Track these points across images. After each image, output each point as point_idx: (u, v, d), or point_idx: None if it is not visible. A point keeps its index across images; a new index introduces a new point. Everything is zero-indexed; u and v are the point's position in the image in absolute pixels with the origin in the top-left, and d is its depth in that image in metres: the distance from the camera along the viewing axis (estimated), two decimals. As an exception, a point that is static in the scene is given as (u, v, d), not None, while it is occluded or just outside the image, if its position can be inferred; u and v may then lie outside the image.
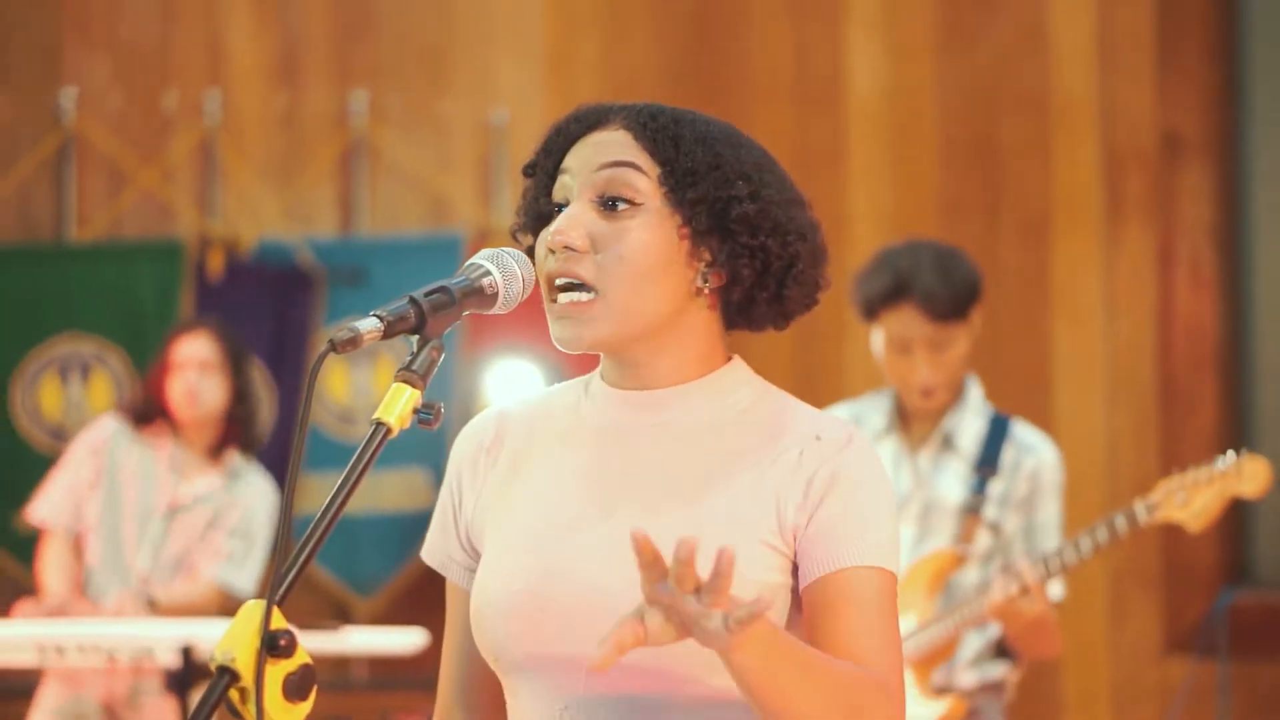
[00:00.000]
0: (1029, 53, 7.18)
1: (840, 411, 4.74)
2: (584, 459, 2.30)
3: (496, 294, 2.19)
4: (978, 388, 4.67)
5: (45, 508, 5.79)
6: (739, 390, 2.32)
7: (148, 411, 5.82)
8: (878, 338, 4.55)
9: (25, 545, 6.53)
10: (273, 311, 7.29)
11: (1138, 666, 7.05)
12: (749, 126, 7.21)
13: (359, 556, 7.28)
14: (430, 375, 2.08)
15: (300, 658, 1.90)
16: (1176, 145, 7.16)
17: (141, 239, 7.45)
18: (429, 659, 5.87)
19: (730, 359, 2.34)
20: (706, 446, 2.27)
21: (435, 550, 2.40)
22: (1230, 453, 4.26)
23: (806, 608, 2.22)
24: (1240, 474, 4.19)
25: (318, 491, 7.35)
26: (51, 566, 5.73)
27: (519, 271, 2.21)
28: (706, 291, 2.28)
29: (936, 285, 4.44)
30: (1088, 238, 7.11)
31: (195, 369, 5.75)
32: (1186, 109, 7.18)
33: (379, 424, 2.04)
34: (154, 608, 5.57)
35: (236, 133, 7.51)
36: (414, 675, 6.99)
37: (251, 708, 1.88)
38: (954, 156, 7.22)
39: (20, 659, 5.03)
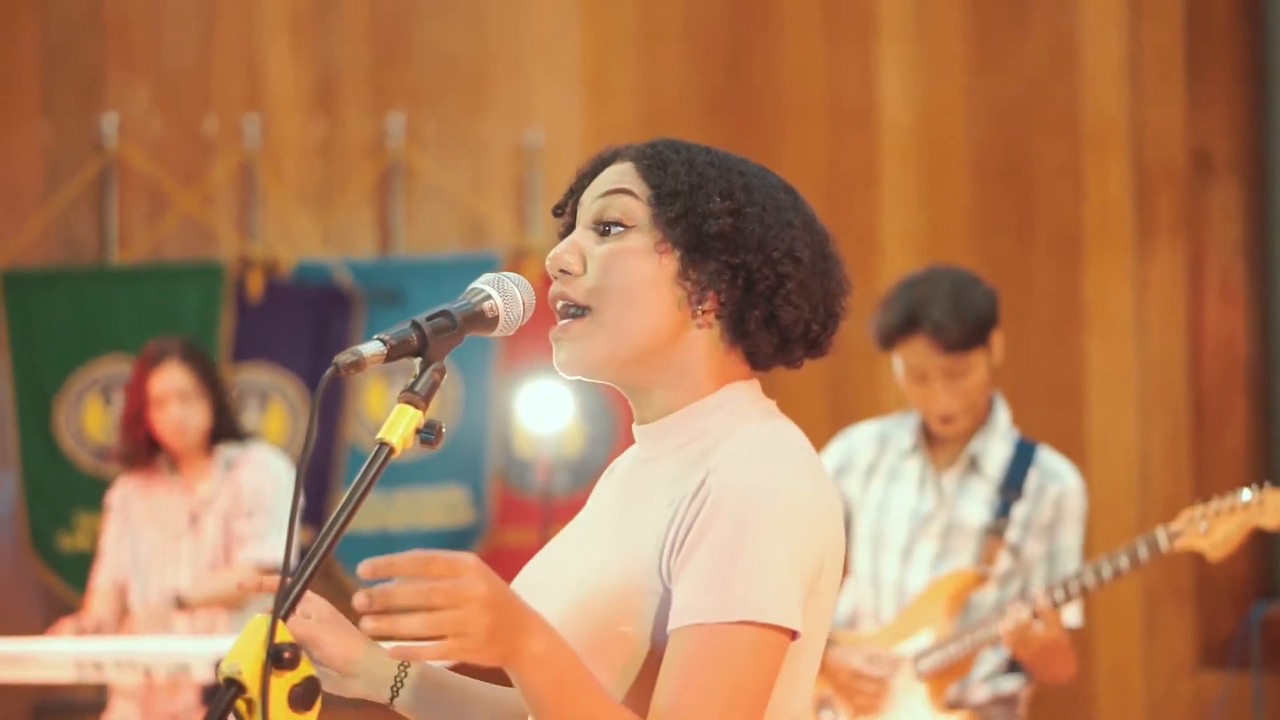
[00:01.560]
0: (1060, 73, 7.21)
1: (869, 428, 4.78)
2: (599, 496, 2.39)
3: (497, 318, 2.24)
4: (1005, 411, 4.69)
5: (98, 579, 5.83)
6: (712, 417, 2.28)
7: (139, 452, 5.83)
8: (898, 366, 4.60)
9: (70, 565, 6.63)
10: (311, 332, 7.37)
11: (1172, 680, 7.06)
12: (781, 148, 7.31)
13: (396, 573, 7.33)
14: (432, 396, 2.14)
15: (305, 669, 1.96)
16: (1206, 163, 7.18)
17: (182, 261, 7.54)
18: (462, 672, 5.93)
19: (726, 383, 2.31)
20: (651, 482, 2.27)
21: None
22: (1254, 486, 4.27)
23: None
24: (1263, 507, 4.20)
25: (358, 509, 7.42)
26: (98, 602, 5.79)
27: (519, 295, 2.26)
28: (701, 314, 2.28)
29: (946, 318, 4.46)
30: (1119, 256, 7.13)
31: (176, 401, 5.74)
32: (1216, 127, 7.20)
33: (382, 444, 2.10)
34: (182, 604, 5.62)
35: (275, 156, 7.59)
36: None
37: (258, 718, 1.95)
38: (985, 177, 7.26)
39: (59, 675, 5.09)
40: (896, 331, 4.52)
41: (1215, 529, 4.19)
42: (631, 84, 7.52)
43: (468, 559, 2.02)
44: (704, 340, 2.29)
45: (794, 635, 2.14)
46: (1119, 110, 7.16)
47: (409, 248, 7.57)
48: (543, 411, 6.93)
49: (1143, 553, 4.26)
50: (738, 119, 7.41)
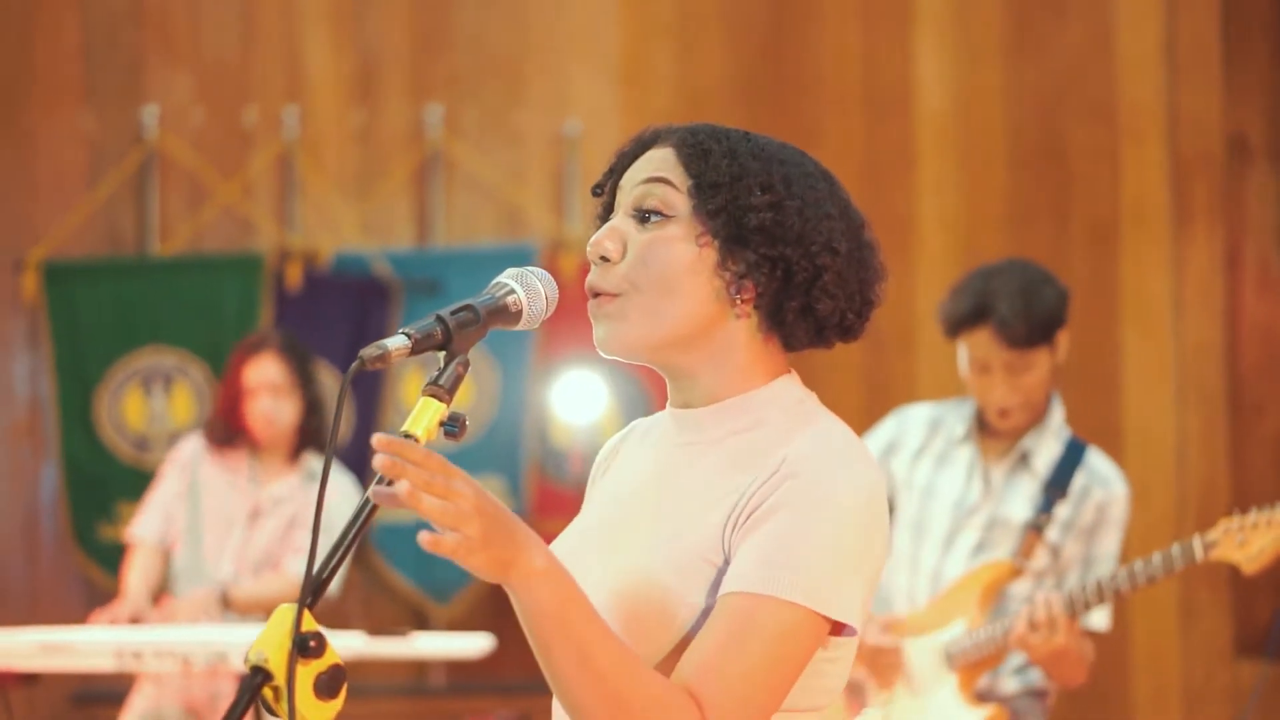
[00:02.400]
0: (1096, 60, 7.21)
1: (923, 410, 4.78)
2: (630, 478, 2.40)
3: (521, 311, 2.26)
4: (1060, 410, 4.68)
5: (138, 525, 5.87)
6: (768, 409, 2.32)
7: (227, 435, 5.89)
8: (962, 355, 4.60)
9: (110, 554, 6.67)
10: (350, 322, 7.40)
11: (1209, 669, 7.07)
12: (819, 134, 7.32)
13: (436, 564, 7.37)
14: (456, 389, 2.16)
15: (330, 658, 1.99)
16: (1243, 149, 7.17)
17: (222, 252, 7.57)
18: (501, 663, 5.98)
19: (781, 373, 2.35)
20: (710, 465, 2.31)
21: None
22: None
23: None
24: None
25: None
26: (134, 572, 5.83)
27: (543, 290, 2.28)
28: (740, 303, 2.31)
29: (1013, 314, 4.45)
30: (1156, 242, 7.13)
31: (269, 394, 5.79)
32: (1253, 113, 7.19)
33: (407, 436, 2.12)
34: (228, 604, 5.66)
35: (315, 147, 7.62)
36: (488, 680, 7.09)
37: (284, 706, 1.97)
38: (1022, 163, 7.26)
39: (98, 664, 5.12)
40: (963, 321, 4.52)
41: (1251, 541, 4.19)
42: (669, 74, 7.54)
43: (462, 472, 2.07)
44: (743, 329, 2.33)
45: (842, 629, 2.20)
46: (1155, 97, 7.16)
47: (447, 238, 7.60)
48: (578, 402, 6.96)
49: (1178, 561, 4.25)
50: (775, 107, 7.42)
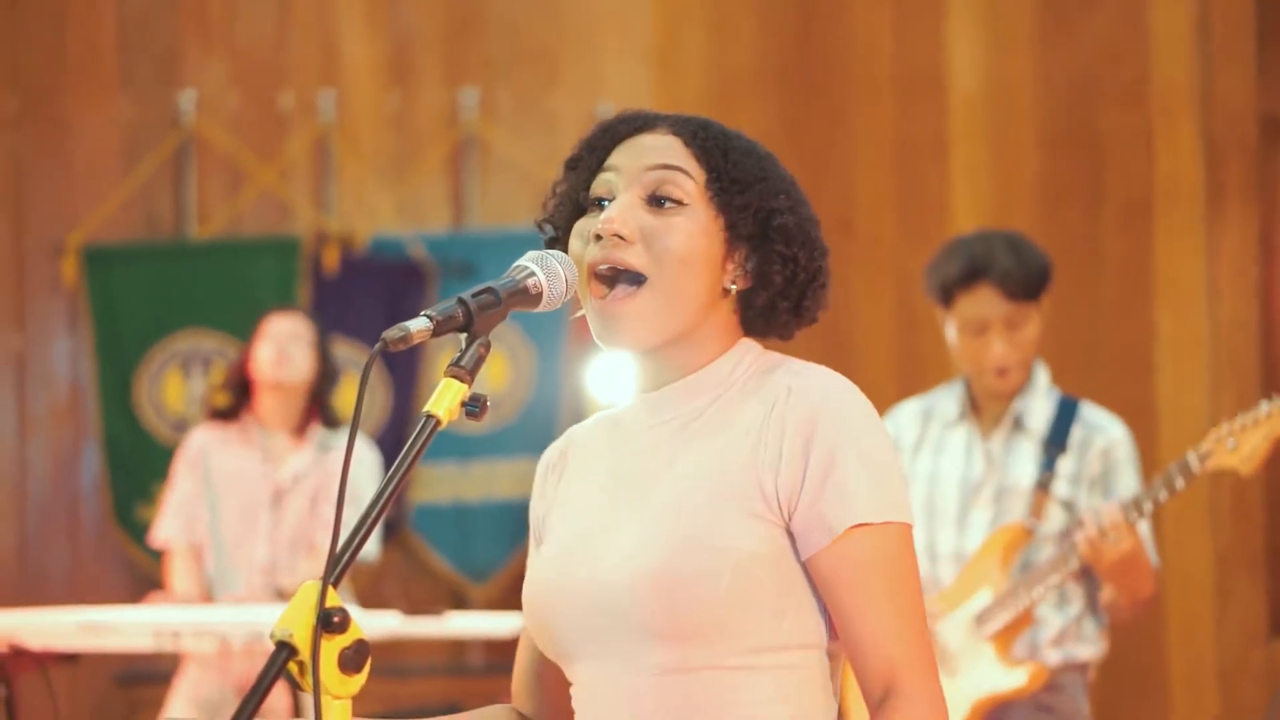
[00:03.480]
0: (1129, 41, 7.21)
1: (911, 406, 4.85)
2: (613, 466, 2.44)
3: (541, 294, 2.31)
4: (1045, 372, 4.77)
5: (164, 529, 5.93)
6: (740, 364, 2.41)
7: (236, 396, 5.93)
8: (951, 324, 4.66)
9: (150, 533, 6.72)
10: (386, 305, 7.44)
11: (1244, 648, 7.07)
12: (851, 119, 7.34)
13: (473, 544, 7.42)
14: (478, 370, 2.20)
15: (354, 633, 2.02)
16: (1276, 130, 7.17)
17: (259, 236, 7.62)
18: None
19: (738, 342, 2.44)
20: (703, 426, 2.37)
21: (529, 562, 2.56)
22: (1274, 395, 4.32)
23: (818, 582, 2.30)
24: None
25: (432, 482, 7.51)
26: (178, 576, 5.89)
27: (562, 272, 2.33)
28: (733, 295, 2.40)
29: (1012, 266, 4.57)
30: (1189, 223, 7.13)
31: (286, 338, 5.89)
32: (1286, 95, 7.20)
33: (429, 416, 2.16)
34: (283, 596, 5.72)
35: (350, 131, 7.66)
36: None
37: (309, 680, 2.01)
38: (1055, 146, 7.26)
39: (137, 644, 5.18)
40: (960, 280, 4.59)
41: (1242, 444, 4.25)
42: (702, 57, 7.55)
43: None
44: (726, 314, 2.42)
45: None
46: (1188, 78, 7.16)
47: (482, 221, 7.63)
48: (612, 384, 7.00)
49: (1178, 479, 4.31)
50: (807, 91, 7.44)
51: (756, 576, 2.26)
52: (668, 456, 2.37)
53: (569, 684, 2.44)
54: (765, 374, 2.37)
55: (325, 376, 5.94)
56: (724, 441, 2.34)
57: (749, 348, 2.43)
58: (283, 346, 5.87)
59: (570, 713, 2.45)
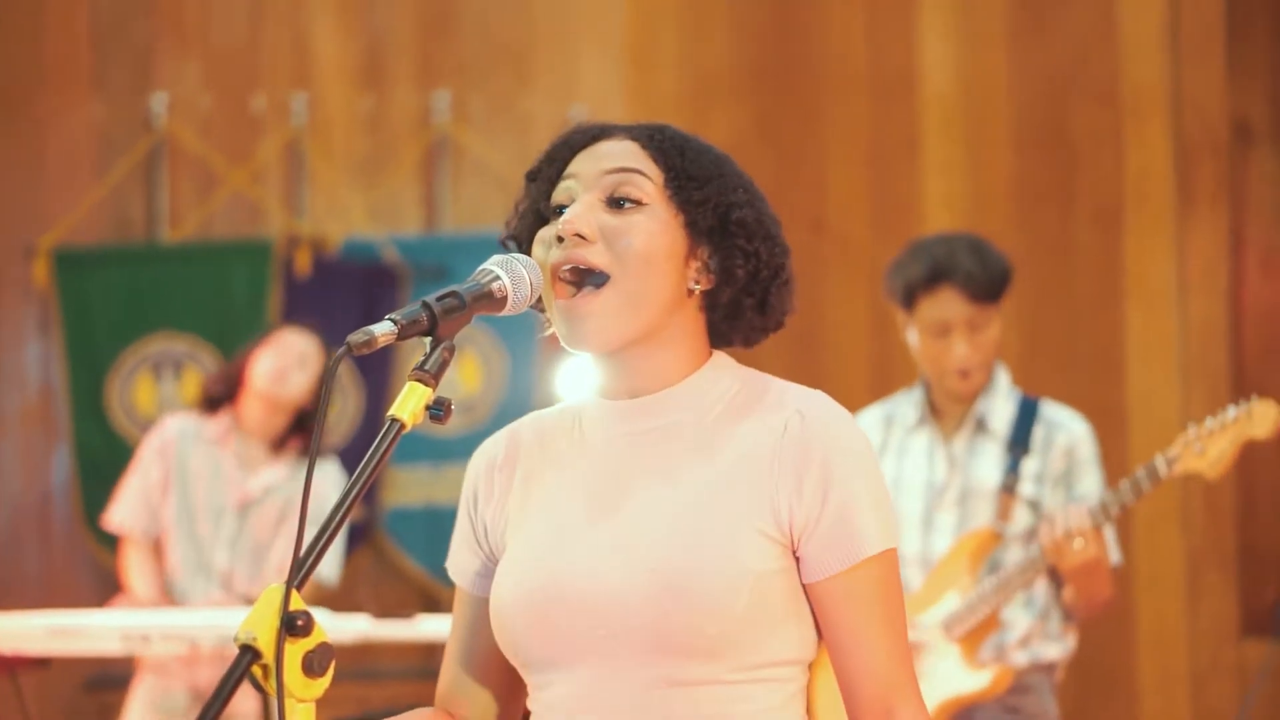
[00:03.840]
0: (1100, 42, 7.23)
1: (873, 412, 4.87)
2: (588, 470, 2.43)
3: (505, 297, 2.32)
4: (1005, 373, 4.79)
5: (121, 513, 5.93)
6: (721, 381, 2.42)
7: (223, 390, 5.93)
8: (912, 326, 4.68)
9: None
10: (359, 308, 7.43)
11: (1216, 648, 7.09)
12: (825, 118, 7.34)
13: (446, 547, 7.37)
14: (442, 374, 2.21)
15: (318, 636, 2.03)
16: (1247, 132, 7.19)
17: (231, 239, 7.61)
18: None
19: (711, 355, 2.46)
20: (696, 441, 2.38)
21: (456, 563, 2.56)
22: (1240, 400, 4.35)
23: (817, 605, 2.35)
24: (1251, 418, 4.29)
25: (405, 485, 7.50)
26: (135, 571, 5.88)
27: (527, 276, 2.34)
28: (697, 294, 2.41)
29: (975, 268, 4.59)
30: (1160, 224, 7.15)
31: (294, 357, 5.88)
32: (1256, 97, 7.21)
33: (393, 420, 2.17)
34: (247, 601, 5.72)
35: (323, 133, 7.65)
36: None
37: (273, 683, 2.01)
38: (1027, 146, 7.28)
39: (106, 648, 5.17)
40: (924, 283, 4.61)
41: (1209, 448, 4.28)
42: (675, 58, 7.56)
43: None
44: (692, 316, 2.43)
45: None
46: (1160, 80, 7.17)
47: (455, 224, 7.63)
48: (581, 386, 6.99)
49: (1145, 482, 4.33)
50: (781, 91, 7.44)
51: (769, 594, 2.31)
52: (656, 470, 2.38)
53: (517, 686, 2.46)
54: (758, 395, 2.40)
55: (315, 402, 5.93)
56: (727, 461, 2.35)
57: (725, 363, 2.45)
58: (286, 366, 5.86)
59: (514, 715, 2.49)
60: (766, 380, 2.43)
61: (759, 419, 2.37)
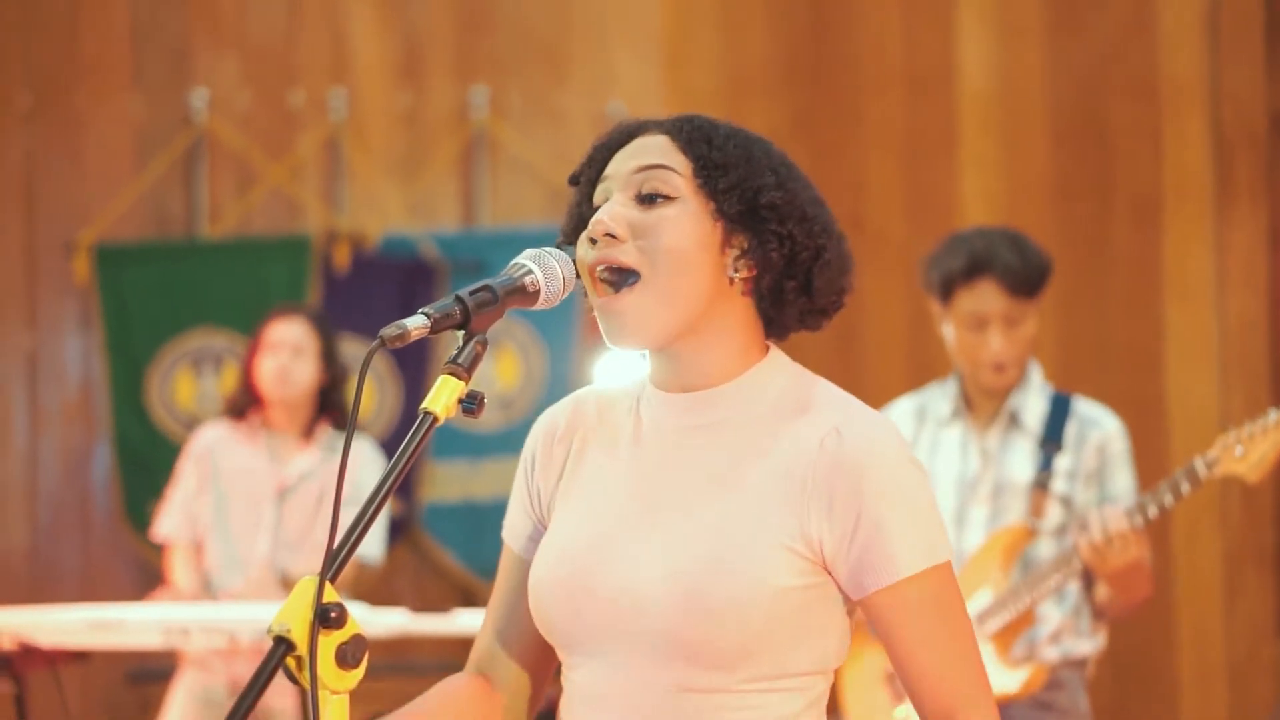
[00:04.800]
0: (1138, 36, 7.21)
1: (905, 404, 4.85)
2: (635, 459, 2.44)
3: (538, 291, 2.32)
4: (1038, 369, 4.78)
5: (165, 525, 5.95)
6: (773, 381, 2.41)
7: (243, 399, 5.95)
8: (949, 319, 4.66)
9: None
10: (397, 303, 7.45)
11: (1253, 646, 7.07)
12: (861, 115, 7.34)
13: (484, 542, 7.42)
14: (475, 367, 2.21)
15: (351, 628, 2.04)
16: (1286, 126, 7.17)
17: (270, 235, 7.63)
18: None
19: (768, 350, 2.44)
20: (739, 444, 2.38)
21: (510, 523, 2.56)
22: None
23: (871, 619, 2.35)
24: None
25: (443, 480, 7.52)
26: (180, 573, 5.91)
27: (560, 270, 2.35)
28: (739, 281, 2.39)
29: (1015, 262, 4.57)
30: (1198, 219, 7.13)
31: (288, 351, 5.87)
32: (1295, 90, 7.19)
33: (426, 413, 2.18)
34: (287, 583, 5.74)
35: (361, 129, 7.67)
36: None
37: (307, 675, 2.02)
38: (1064, 141, 7.26)
39: (146, 641, 5.19)
40: (963, 275, 4.59)
41: (1250, 451, 4.24)
42: (712, 54, 7.56)
43: None
44: (741, 307, 2.41)
45: None
46: (1198, 74, 7.15)
47: (492, 219, 7.65)
48: (620, 381, 6.99)
49: (1184, 485, 4.30)
50: (817, 87, 7.44)
51: (787, 608, 2.30)
52: (699, 471, 2.38)
53: (551, 656, 2.48)
54: (806, 405, 2.39)
55: (332, 380, 5.94)
56: (762, 472, 2.35)
57: (778, 362, 2.44)
58: (283, 364, 5.85)
59: (544, 683, 2.50)
60: (814, 385, 2.42)
61: (799, 430, 2.35)
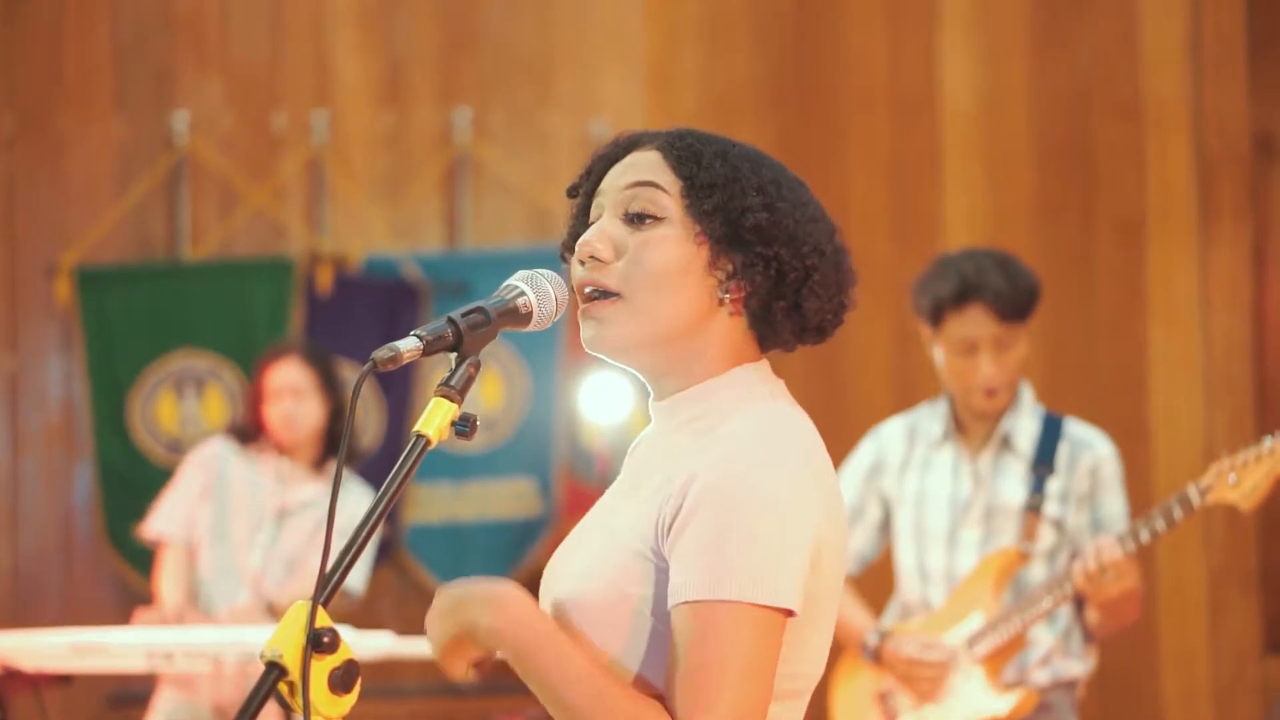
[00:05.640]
0: (1121, 57, 7.22)
1: (896, 423, 4.84)
2: (625, 471, 2.46)
3: (531, 313, 2.32)
4: (1029, 390, 4.77)
5: (160, 522, 5.96)
6: (720, 393, 2.36)
7: (251, 433, 5.99)
8: (939, 343, 4.65)
9: (144, 556, 6.71)
10: (380, 325, 7.43)
11: (1238, 665, 7.06)
12: (845, 134, 7.33)
13: (468, 564, 7.41)
14: (468, 390, 2.20)
15: (344, 653, 2.03)
16: (1269, 146, 7.17)
17: (253, 257, 7.61)
18: None
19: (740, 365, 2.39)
20: (661, 454, 2.36)
21: None
22: (1277, 433, 4.30)
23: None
24: None
25: (427, 502, 7.50)
26: (168, 577, 5.89)
27: (552, 291, 2.34)
28: (729, 302, 2.37)
29: (1004, 287, 4.55)
30: (1182, 239, 7.13)
31: (290, 397, 5.92)
32: (1278, 110, 7.19)
33: (419, 436, 2.16)
34: (273, 612, 5.73)
35: (344, 151, 7.66)
36: (519, 679, 7.12)
37: (299, 700, 2.01)
38: (1048, 162, 7.26)
39: (131, 665, 5.17)
40: (951, 301, 4.57)
41: (1244, 479, 4.23)
42: (696, 74, 7.55)
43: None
44: (726, 326, 2.38)
45: (788, 613, 2.20)
46: (1181, 94, 7.16)
47: (476, 240, 7.63)
48: (604, 403, 6.99)
49: (1177, 512, 4.29)
50: (801, 108, 7.44)
51: (646, 618, 2.24)
52: (636, 479, 2.39)
53: None
54: (720, 419, 2.31)
55: (337, 408, 6.00)
56: (653, 481, 2.31)
57: (741, 376, 2.38)
58: (287, 411, 5.91)
59: None
60: (748, 403, 2.33)
61: (698, 445, 2.29)
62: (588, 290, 2.35)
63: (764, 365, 2.41)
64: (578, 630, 2.23)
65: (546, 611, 2.29)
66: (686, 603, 2.17)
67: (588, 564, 2.29)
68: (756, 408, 2.31)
